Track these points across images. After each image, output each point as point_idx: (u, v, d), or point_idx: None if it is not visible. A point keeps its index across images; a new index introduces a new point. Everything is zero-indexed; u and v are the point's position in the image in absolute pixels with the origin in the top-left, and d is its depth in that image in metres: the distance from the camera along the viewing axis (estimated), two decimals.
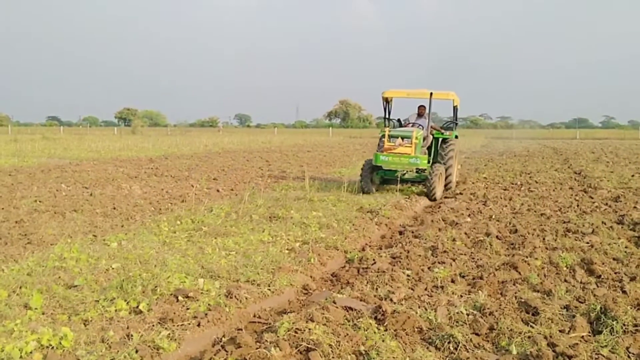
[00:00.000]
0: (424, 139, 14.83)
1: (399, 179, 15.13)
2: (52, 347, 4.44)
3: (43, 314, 5.23)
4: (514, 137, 71.37)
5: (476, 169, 22.60)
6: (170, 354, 4.56)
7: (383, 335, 4.68)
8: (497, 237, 8.78)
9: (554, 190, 15.08)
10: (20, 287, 5.88)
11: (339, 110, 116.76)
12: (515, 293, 5.88)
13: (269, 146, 39.95)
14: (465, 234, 9.11)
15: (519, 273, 6.69)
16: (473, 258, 7.58)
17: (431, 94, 14.47)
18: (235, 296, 5.74)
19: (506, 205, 12.42)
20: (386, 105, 15.51)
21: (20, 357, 4.23)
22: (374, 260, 7.40)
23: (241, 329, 5.11)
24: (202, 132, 73.60)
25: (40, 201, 12.19)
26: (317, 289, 6.64)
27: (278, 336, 4.54)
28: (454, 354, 4.47)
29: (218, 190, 14.67)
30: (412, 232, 9.42)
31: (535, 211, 11.51)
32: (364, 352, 4.30)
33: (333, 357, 4.24)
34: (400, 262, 7.22)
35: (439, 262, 7.21)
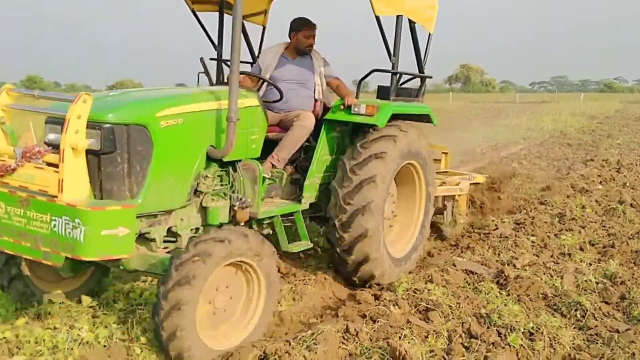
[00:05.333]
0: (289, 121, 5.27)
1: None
2: None
3: None
4: None
5: (609, 135, 21.15)
6: (293, 307, 4.74)
7: (505, 299, 4.58)
8: (631, 205, 8.22)
9: None
10: None
11: (460, 74, 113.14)
12: None
13: None
14: (596, 201, 8.61)
15: None
16: (604, 226, 7.17)
17: None
18: None
19: None
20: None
21: None
22: (496, 225, 7.20)
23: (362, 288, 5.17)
24: None
25: None
26: (437, 252, 6.58)
27: (397, 295, 4.60)
28: (581, 321, 4.29)
29: None
30: (538, 199, 9.03)
31: None
32: (485, 315, 4.22)
33: (453, 318, 4.21)
34: (524, 228, 6.97)
35: (566, 230, 6.89)
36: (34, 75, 68.98)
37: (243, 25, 5.76)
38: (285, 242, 4.79)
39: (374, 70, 5.31)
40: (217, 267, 3.59)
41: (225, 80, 4.98)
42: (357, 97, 5.24)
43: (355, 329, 3.94)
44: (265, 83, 5.30)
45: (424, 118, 5.82)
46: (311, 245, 4.99)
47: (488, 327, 4.07)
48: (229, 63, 4.17)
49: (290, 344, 3.70)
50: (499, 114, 33.10)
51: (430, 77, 6.10)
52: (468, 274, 5.13)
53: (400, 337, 3.82)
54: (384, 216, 5.17)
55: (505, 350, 3.77)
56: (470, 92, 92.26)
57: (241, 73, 4.89)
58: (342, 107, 5.18)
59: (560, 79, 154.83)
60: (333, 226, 5.01)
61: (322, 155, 5.20)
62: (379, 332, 3.94)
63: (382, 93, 5.57)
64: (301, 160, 5.27)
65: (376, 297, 4.68)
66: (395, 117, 5.28)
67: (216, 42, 5.80)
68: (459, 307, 4.39)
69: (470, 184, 7.62)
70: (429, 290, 4.61)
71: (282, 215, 4.90)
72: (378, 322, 4.08)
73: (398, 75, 5.44)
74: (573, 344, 3.95)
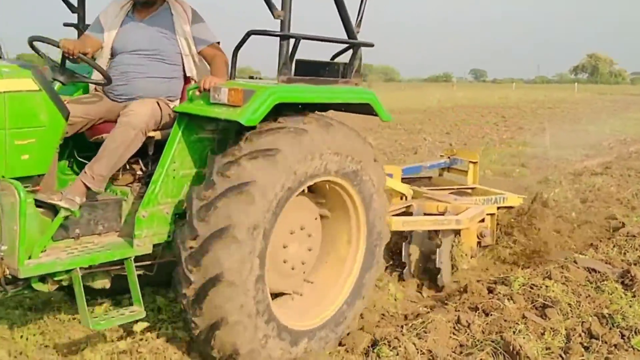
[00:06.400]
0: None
1: None
2: None
3: None
4: None
5: None
6: None
7: (630, 301, 4.32)
8: None
9: None
10: None
11: (587, 64, 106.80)
12: None
13: (506, 102, 38.27)
14: None
15: None
16: None
17: None
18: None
19: None
20: None
21: None
22: (622, 223, 6.77)
23: (479, 280, 5.06)
24: (436, 87, 73.39)
25: None
26: (555, 248, 6.29)
27: (512, 290, 4.46)
28: None
29: (450, 144, 14.56)
30: None
31: None
32: (607, 315, 4.01)
33: (572, 316, 4.04)
34: None
35: None
36: None
37: None
38: (85, 313, 3.05)
39: (251, 32, 3.29)
40: None
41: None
42: (232, 77, 3.43)
43: (467, 321, 3.89)
44: (110, 54, 3.75)
45: (367, 109, 3.87)
46: (143, 314, 3.28)
47: (610, 328, 3.87)
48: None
49: (401, 331, 3.71)
50: (628, 107, 31.03)
51: (371, 45, 3.94)
52: (590, 272, 4.87)
53: (514, 332, 3.72)
54: (266, 254, 3.25)
55: (629, 353, 3.59)
56: (598, 84, 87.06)
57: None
58: (198, 92, 3.40)
59: None
60: (180, 260, 3.19)
61: (176, 169, 3.40)
62: (492, 326, 3.86)
63: (302, 69, 3.68)
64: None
65: (490, 290, 4.55)
66: (312, 108, 3.62)
67: (74, 2, 4.19)
68: (579, 305, 4.19)
69: (499, 207, 5.78)
70: (546, 286, 4.43)
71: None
72: (491, 315, 4.00)
73: (293, 41, 3.39)
74: None
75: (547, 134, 14.21)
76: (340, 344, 3.78)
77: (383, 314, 4.52)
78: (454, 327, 3.86)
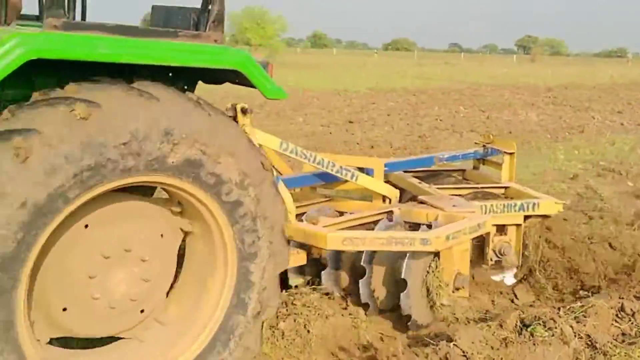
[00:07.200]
0: None
1: None
2: None
3: None
4: None
5: None
6: None
7: None
8: None
9: None
10: None
11: None
12: None
13: None
14: None
15: None
16: None
17: None
18: None
19: None
20: None
21: None
22: None
23: None
24: (608, 63, 67.79)
25: (440, 120, 13.19)
26: None
27: None
28: None
29: (622, 124, 13.57)
30: None
31: None
32: None
33: None
34: None
35: None
36: (319, 32, 74.76)
37: None
38: None
39: None
40: None
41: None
42: (7, 21, 2.70)
43: (631, 309, 3.63)
44: None
45: (234, 77, 2.76)
46: None
47: None
48: None
49: (557, 312, 3.57)
50: None
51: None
52: None
53: None
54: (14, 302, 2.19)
55: None
56: None
57: None
58: None
59: None
60: None
61: None
62: None
63: (158, 17, 2.93)
64: None
65: None
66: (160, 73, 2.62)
67: None
68: None
69: (526, 216, 4.43)
70: None
71: None
72: None
73: None
74: None
75: None
76: (491, 319, 3.70)
77: (537, 295, 4.39)
78: (617, 315, 3.62)
